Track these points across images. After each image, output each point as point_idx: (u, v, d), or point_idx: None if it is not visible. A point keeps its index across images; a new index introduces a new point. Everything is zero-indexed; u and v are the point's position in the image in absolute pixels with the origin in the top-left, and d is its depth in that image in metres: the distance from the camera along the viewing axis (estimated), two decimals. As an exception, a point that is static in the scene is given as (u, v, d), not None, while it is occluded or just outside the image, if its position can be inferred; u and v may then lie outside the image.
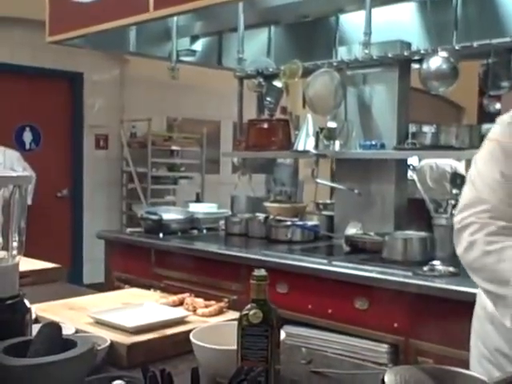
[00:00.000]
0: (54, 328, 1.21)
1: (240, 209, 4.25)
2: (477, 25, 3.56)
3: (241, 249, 3.49)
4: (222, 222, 4.26)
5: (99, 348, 1.39)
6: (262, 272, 1.20)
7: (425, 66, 3.33)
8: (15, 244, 1.32)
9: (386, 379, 1.18)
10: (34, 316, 1.49)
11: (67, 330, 1.45)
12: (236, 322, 1.24)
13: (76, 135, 6.96)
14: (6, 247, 1.31)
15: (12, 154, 5.84)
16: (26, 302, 1.34)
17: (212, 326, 1.50)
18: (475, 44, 3.17)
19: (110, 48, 5.39)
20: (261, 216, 3.90)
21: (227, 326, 1.43)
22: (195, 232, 4.16)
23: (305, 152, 3.79)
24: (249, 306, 1.19)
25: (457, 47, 3.28)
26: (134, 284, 3.27)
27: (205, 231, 4.21)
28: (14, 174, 1.35)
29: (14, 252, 1.32)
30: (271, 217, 3.80)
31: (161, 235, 3.93)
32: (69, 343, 1.19)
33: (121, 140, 7.08)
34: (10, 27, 6.16)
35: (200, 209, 4.42)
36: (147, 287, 2.36)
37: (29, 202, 5.74)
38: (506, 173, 1.43)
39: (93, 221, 6.84)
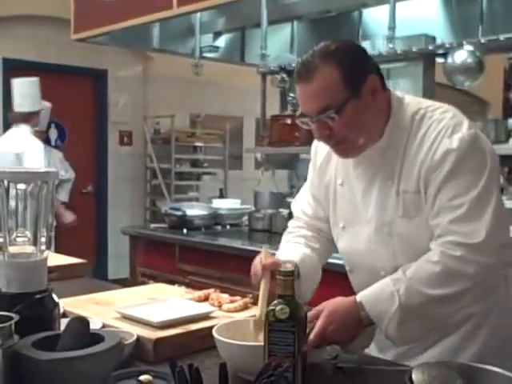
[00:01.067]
0: (82, 323, 1.22)
1: (263, 204, 4.24)
2: (503, 18, 3.51)
3: (264, 244, 3.47)
4: (245, 218, 4.26)
5: (126, 343, 1.40)
6: (289, 268, 1.20)
7: (450, 59, 3.29)
8: (43, 239, 1.33)
9: (413, 376, 1.17)
10: (61, 310, 1.50)
11: (94, 325, 1.46)
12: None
13: (100, 132, 7.01)
14: (34, 242, 1.32)
15: (56, 154, 5.88)
16: (55, 296, 1.35)
17: (234, 321, 1.50)
18: (501, 37, 3.13)
19: (133, 45, 5.43)
20: (284, 212, 3.89)
21: (250, 321, 1.43)
22: (219, 228, 4.17)
23: (328, 147, 3.77)
24: (275, 301, 1.19)
25: (482, 40, 3.24)
26: (158, 279, 3.30)
27: (228, 227, 4.22)
28: (42, 170, 1.37)
29: (43, 247, 1.33)
30: (295, 212, 3.79)
31: (185, 231, 3.95)
32: (96, 338, 1.20)
33: (144, 136, 7.12)
34: (36, 25, 6.21)
35: (223, 205, 4.43)
36: (171, 282, 2.38)
37: (66, 199, 5.85)
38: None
39: (117, 217, 6.88)
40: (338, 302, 1.47)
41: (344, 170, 1.66)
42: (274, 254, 1.67)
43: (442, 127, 1.48)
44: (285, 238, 1.85)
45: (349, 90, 1.46)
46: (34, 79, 4.88)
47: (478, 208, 1.42)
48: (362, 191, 1.61)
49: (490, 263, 1.42)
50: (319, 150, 1.76)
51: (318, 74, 1.45)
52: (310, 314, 1.42)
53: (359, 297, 1.46)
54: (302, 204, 1.87)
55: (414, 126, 1.53)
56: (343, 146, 1.55)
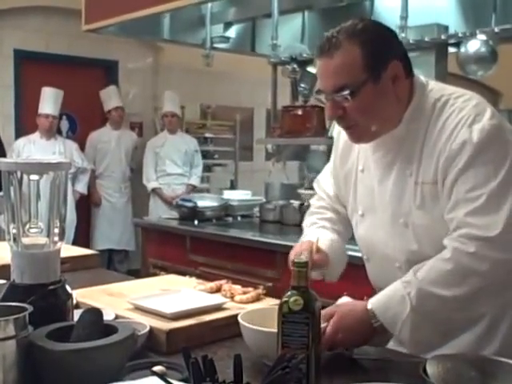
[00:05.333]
0: (95, 314, 1.22)
1: (274, 196, 4.24)
2: (516, 6, 3.48)
3: (275, 236, 3.49)
4: (256, 209, 4.26)
5: (139, 334, 1.40)
6: (303, 258, 1.19)
7: (463, 49, 3.26)
8: (56, 230, 1.33)
9: (427, 368, 1.17)
10: (74, 302, 1.51)
11: (107, 316, 1.47)
12: None
13: (111, 123, 7.01)
14: (47, 233, 1.32)
15: (71, 144, 5.97)
16: (68, 287, 1.36)
17: (259, 309, 1.51)
18: (516, 26, 3.10)
19: (144, 36, 5.42)
20: (295, 203, 3.89)
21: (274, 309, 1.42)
22: (230, 219, 4.17)
23: (340, 138, 3.76)
24: (289, 292, 1.18)
25: (496, 29, 3.20)
26: (169, 270, 3.30)
27: (239, 218, 4.22)
28: (54, 161, 1.37)
29: (56, 238, 1.33)
30: (305, 204, 3.78)
31: (196, 222, 3.96)
32: (110, 329, 1.20)
33: (155, 127, 7.11)
34: (46, 16, 6.21)
35: (234, 196, 4.43)
36: (182, 274, 2.37)
37: (84, 190, 5.95)
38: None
39: (128, 208, 6.88)
40: (350, 307, 1.46)
41: (364, 156, 1.64)
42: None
43: (462, 116, 1.43)
44: (310, 218, 1.84)
45: (368, 73, 1.42)
46: None
47: (497, 200, 1.37)
48: (379, 178, 1.58)
49: (505, 259, 1.37)
50: (342, 133, 1.70)
51: (339, 51, 1.42)
52: (323, 312, 1.41)
53: (370, 304, 1.43)
54: (324, 184, 1.85)
55: (435, 113, 1.48)
56: (355, 130, 1.52)
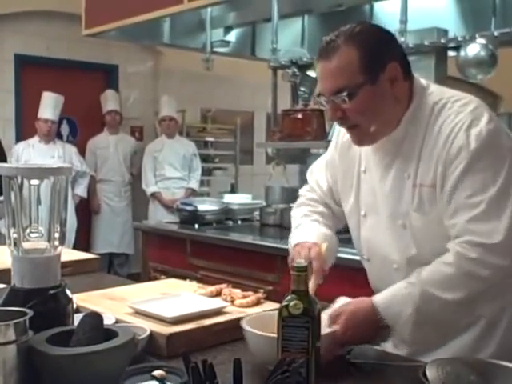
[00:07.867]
0: (95, 318, 1.22)
1: (274, 199, 4.24)
2: (516, 10, 3.48)
3: (276, 239, 3.49)
4: (256, 213, 4.26)
5: (139, 338, 1.40)
6: (303, 263, 1.20)
7: (462, 53, 3.26)
8: (57, 235, 1.33)
9: (427, 372, 1.17)
10: (74, 306, 1.51)
11: (107, 320, 1.47)
12: None
13: (112, 127, 7.01)
14: (48, 238, 1.33)
15: (70, 148, 5.98)
16: (68, 291, 1.36)
17: (263, 314, 1.51)
18: (515, 30, 3.10)
19: (144, 40, 5.43)
20: (295, 207, 3.88)
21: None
22: (230, 223, 4.17)
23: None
24: (289, 296, 1.18)
25: (496, 33, 3.21)
26: (170, 274, 3.30)
27: (239, 222, 4.22)
28: (55, 166, 1.37)
29: (56, 243, 1.34)
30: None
31: (196, 226, 3.96)
32: (110, 333, 1.20)
33: (156, 132, 7.11)
34: (46, 21, 6.22)
35: (235, 200, 4.43)
36: (183, 277, 2.37)
37: (84, 194, 5.96)
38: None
39: (128, 212, 6.88)
40: (356, 305, 1.46)
41: (366, 157, 1.65)
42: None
43: (459, 120, 1.44)
44: (301, 209, 1.83)
45: (365, 75, 1.43)
46: None
47: (497, 207, 1.38)
48: (379, 179, 1.59)
49: (506, 265, 1.38)
50: (342, 131, 1.71)
51: (337, 53, 1.44)
52: (330, 314, 1.42)
53: (374, 300, 1.45)
54: (318, 176, 1.85)
55: (433, 116, 1.49)
56: (356, 132, 1.53)
